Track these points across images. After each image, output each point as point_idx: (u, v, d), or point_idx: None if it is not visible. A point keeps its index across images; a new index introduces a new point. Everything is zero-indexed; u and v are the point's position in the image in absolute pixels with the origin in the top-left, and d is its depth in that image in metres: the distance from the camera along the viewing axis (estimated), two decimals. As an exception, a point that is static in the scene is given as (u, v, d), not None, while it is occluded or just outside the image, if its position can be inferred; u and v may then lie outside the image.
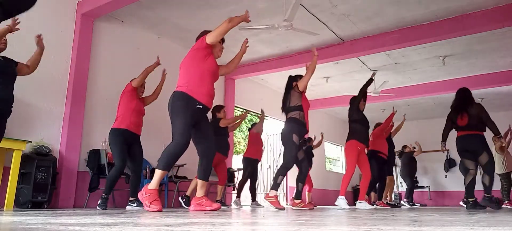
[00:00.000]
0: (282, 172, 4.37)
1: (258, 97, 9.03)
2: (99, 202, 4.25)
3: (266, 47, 7.19)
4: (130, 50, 6.14)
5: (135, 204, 4.43)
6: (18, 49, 4.85)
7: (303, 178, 4.73)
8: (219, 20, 5.96)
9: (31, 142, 4.54)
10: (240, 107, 8.69)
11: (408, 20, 6.06)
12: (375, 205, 6.80)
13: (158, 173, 3.22)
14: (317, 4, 5.60)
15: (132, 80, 4.58)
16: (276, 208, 4.20)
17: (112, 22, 5.98)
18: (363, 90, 5.67)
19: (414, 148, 9.04)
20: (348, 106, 5.84)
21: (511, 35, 6.44)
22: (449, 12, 5.78)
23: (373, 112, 10.99)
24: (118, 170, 4.24)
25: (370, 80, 5.83)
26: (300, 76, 4.68)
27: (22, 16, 4.98)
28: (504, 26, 5.67)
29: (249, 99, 8.86)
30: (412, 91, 9.11)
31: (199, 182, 3.44)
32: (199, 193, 3.47)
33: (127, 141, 4.33)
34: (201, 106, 3.31)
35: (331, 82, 8.94)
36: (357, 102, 5.61)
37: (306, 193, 8.29)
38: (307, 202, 8.26)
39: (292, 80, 4.71)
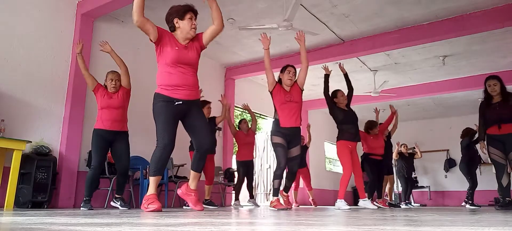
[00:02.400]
0: (276, 175, 4.40)
1: (258, 97, 9.03)
2: (82, 203, 4.13)
3: (266, 47, 7.17)
4: (130, 50, 6.13)
5: (119, 203, 4.39)
6: (18, 49, 4.85)
7: (290, 176, 4.63)
8: (219, 20, 6.00)
9: (31, 142, 4.54)
10: (240, 108, 8.69)
11: (408, 20, 6.06)
12: (375, 203, 6.78)
13: (151, 180, 3.19)
14: (317, 4, 5.60)
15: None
16: (279, 209, 4.22)
17: (112, 22, 5.98)
18: (325, 92, 5.45)
19: (413, 148, 8.99)
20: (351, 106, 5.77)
21: (511, 35, 6.44)
22: (449, 12, 5.78)
23: (373, 112, 10.97)
24: (93, 170, 4.15)
25: (326, 76, 5.57)
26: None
27: (21, 16, 4.99)
28: (504, 26, 5.67)
29: (249, 99, 8.84)
30: (412, 91, 9.11)
31: (192, 173, 3.41)
32: (192, 184, 3.41)
33: (105, 139, 4.19)
34: (180, 102, 3.13)
35: (331, 82, 8.79)
36: (329, 104, 5.52)
37: (308, 192, 8.28)
38: (310, 199, 8.25)
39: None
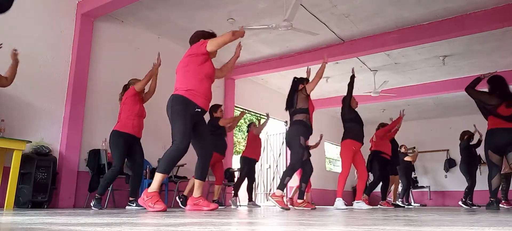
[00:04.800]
0: (288, 173, 4.44)
1: (258, 97, 9.03)
2: (93, 202, 4.23)
3: (266, 47, 7.19)
4: (130, 50, 6.13)
5: (134, 204, 4.44)
6: (18, 49, 4.85)
7: (306, 179, 4.79)
8: (219, 20, 6.02)
9: (31, 142, 4.54)
10: (240, 108, 8.69)
11: (408, 20, 6.06)
12: (379, 205, 6.79)
13: (158, 176, 3.26)
14: (317, 4, 5.60)
15: (134, 83, 4.56)
16: (281, 207, 4.24)
17: (112, 22, 5.98)
18: (350, 88, 5.55)
19: (413, 148, 9.00)
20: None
21: (511, 35, 6.44)
22: (449, 12, 5.78)
23: (373, 112, 10.99)
24: (115, 172, 4.27)
25: (352, 77, 5.63)
26: (307, 80, 4.72)
27: (21, 16, 4.98)
28: (504, 26, 5.67)
29: (249, 99, 8.86)
30: (412, 91, 9.11)
31: (196, 182, 3.47)
32: (196, 193, 3.49)
33: (127, 143, 4.36)
34: (199, 110, 3.37)
35: (331, 82, 8.94)
36: (348, 100, 5.57)
37: (305, 193, 8.29)
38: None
39: (298, 83, 4.74)
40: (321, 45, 7.03)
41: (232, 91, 8.23)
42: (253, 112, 9.12)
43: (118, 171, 4.28)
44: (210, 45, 3.42)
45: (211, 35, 3.65)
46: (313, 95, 9.83)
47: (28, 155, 4.50)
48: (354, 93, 5.74)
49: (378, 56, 7.41)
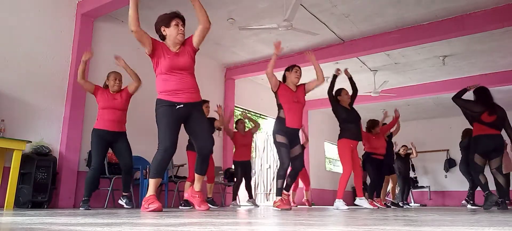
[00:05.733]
0: (279, 175, 4.42)
1: (258, 97, 9.03)
2: (80, 203, 4.17)
3: (266, 47, 7.18)
4: (130, 50, 6.12)
5: (125, 201, 4.42)
6: (18, 49, 4.85)
7: (293, 174, 4.65)
8: (219, 20, 6.02)
9: (31, 142, 4.54)
10: (240, 107, 8.69)
11: (408, 20, 6.06)
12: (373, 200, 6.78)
13: (151, 182, 3.23)
14: (317, 4, 5.60)
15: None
16: (282, 209, 4.23)
17: (112, 22, 5.98)
18: (330, 91, 5.45)
19: (409, 149, 8.99)
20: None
21: (511, 35, 6.44)
22: (449, 12, 5.78)
23: (373, 112, 10.98)
24: (92, 171, 4.16)
25: (334, 77, 5.51)
26: (294, 70, 4.65)
27: (21, 16, 4.99)
28: (504, 26, 5.67)
29: (249, 99, 8.86)
30: (412, 91, 9.11)
31: (196, 175, 3.47)
32: (196, 186, 3.50)
33: (105, 140, 4.23)
34: (181, 105, 3.21)
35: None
36: (332, 103, 5.50)
37: (304, 192, 8.29)
38: (304, 199, 8.27)
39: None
40: (321, 45, 7.03)
41: (232, 91, 8.23)
42: (253, 112, 9.12)
43: (95, 170, 4.15)
44: (136, 34, 3.13)
45: (176, 16, 3.33)
46: (314, 95, 9.85)
47: (28, 155, 4.50)
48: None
49: (378, 56, 7.41)
